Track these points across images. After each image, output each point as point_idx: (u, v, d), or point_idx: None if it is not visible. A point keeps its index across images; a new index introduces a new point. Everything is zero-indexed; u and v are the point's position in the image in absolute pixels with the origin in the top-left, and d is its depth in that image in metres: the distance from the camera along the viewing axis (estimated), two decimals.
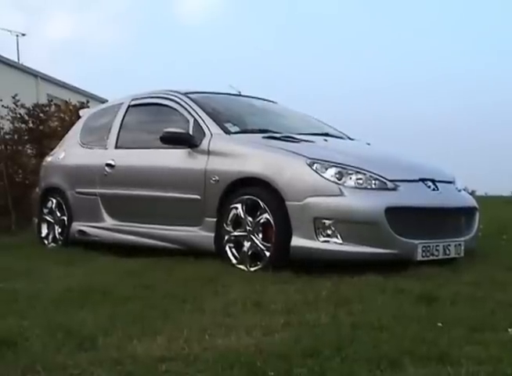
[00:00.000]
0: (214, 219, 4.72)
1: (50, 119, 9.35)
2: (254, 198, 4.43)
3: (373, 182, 4.29)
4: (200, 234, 4.84)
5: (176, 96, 5.50)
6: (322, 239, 4.17)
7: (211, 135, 4.96)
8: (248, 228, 4.46)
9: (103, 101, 19.14)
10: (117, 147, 5.89)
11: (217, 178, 4.72)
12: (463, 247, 4.46)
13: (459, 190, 4.94)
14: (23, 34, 19.65)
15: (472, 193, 13.34)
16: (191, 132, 5.07)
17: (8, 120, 9.05)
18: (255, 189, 4.47)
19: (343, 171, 4.28)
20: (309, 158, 4.36)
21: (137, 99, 6.03)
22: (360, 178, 4.27)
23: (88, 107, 9.43)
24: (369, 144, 5.55)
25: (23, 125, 9.13)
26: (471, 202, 4.94)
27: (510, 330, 2.71)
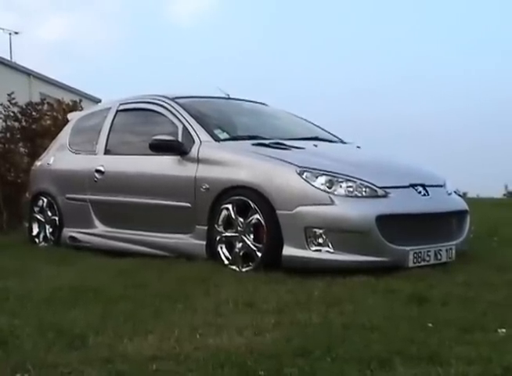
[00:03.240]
0: (205, 227, 4.71)
1: (43, 118, 9.30)
2: (245, 199, 4.44)
3: (364, 189, 4.29)
4: (192, 242, 4.83)
5: (164, 102, 5.46)
6: (314, 248, 4.17)
7: (200, 142, 4.94)
8: (239, 229, 4.46)
9: (96, 100, 19.15)
10: (106, 153, 5.86)
11: (207, 186, 4.71)
12: (454, 251, 4.47)
13: (450, 193, 4.94)
14: (16, 33, 19.61)
15: (464, 196, 13.40)
16: (180, 139, 5.05)
17: (0, 118, 9.01)
18: (245, 190, 4.47)
19: (333, 179, 4.28)
20: (299, 167, 4.35)
21: (125, 103, 6.00)
22: (350, 186, 4.27)
23: (82, 107, 9.44)
24: (359, 147, 5.55)
25: (16, 124, 9.09)
26: (462, 205, 4.94)
27: (500, 330, 2.73)
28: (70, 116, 7.25)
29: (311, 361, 2.33)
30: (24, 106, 9.21)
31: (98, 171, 5.76)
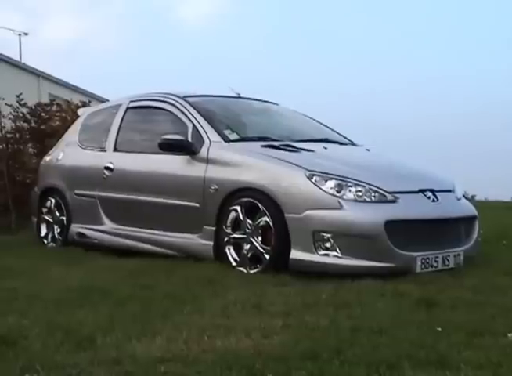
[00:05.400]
0: (213, 228, 4.71)
1: (52, 118, 9.34)
2: (253, 201, 4.44)
3: (373, 194, 4.28)
4: (199, 242, 4.83)
5: (174, 100, 5.46)
6: (322, 252, 4.16)
7: (210, 142, 4.94)
8: (247, 230, 4.46)
9: (105, 101, 19.17)
10: (115, 150, 5.87)
11: (216, 187, 4.71)
12: (462, 257, 4.44)
13: (459, 199, 4.91)
14: (26, 34, 19.70)
15: (472, 198, 13.36)
16: (190, 139, 5.05)
17: (10, 119, 9.05)
18: (254, 192, 4.47)
19: (342, 183, 4.27)
20: (308, 170, 4.34)
21: (135, 101, 6.00)
22: (360, 191, 4.25)
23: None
24: (368, 150, 5.54)
25: (25, 124, 9.13)
26: (471, 211, 4.91)
27: (509, 335, 2.71)
28: (80, 111, 7.26)
29: (319, 364, 2.32)
30: (33, 107, 9.25)
31: (107, 168, 5.77)
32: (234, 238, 4.56)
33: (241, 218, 4.49)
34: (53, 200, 6.42)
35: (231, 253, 4.58)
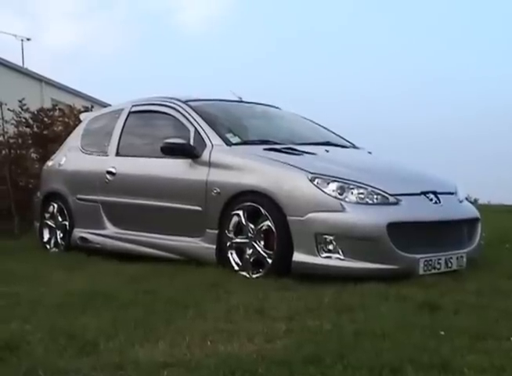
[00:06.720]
0: (216, 231, 4.71)
1: (54, 123, 9.36)
2: (256, 205, 4.44)
3: (375, 196, 4.28)
4: (202, 246, 4.83)
5: (176, 104, 5.48)
6: (324, 254, 4.16)
7: (212, 146, 4.95)
8: (250, 235, 4.46)
9: (107, 106, 19.21)
10: (117, 154, 5.88)
11: (218, 190, 4.72)
12: (465, 259, 4.44)
13: (461, 201, 4.91)
14: (28, 39, 19.74)
15: (474, 202, 13.32)
16: (192, 143, 5.06)
17: (12, 124, 9.07)
18: (256, 195, 4.48)
19: (344, 185, 4.27)
20: (310, 173, 4.35)
21: (137, 105, 6.01)
22: (362, 193, 4.26)
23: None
24: (370, 153, 5.54)
25: (28, 129, 9.15)
26: (473, 213, 4.91)
27: None
28: (82, 116, 7.28)
29: (322, 368, 2.32)
30: (36, 112, 9.27)
31: (109, 172, 5.78)
32: (236, 242, 4.57)
33: (243, 222, 4.50)
34: (56, 205, 6.42)
35: (233, 257, 4.58)
